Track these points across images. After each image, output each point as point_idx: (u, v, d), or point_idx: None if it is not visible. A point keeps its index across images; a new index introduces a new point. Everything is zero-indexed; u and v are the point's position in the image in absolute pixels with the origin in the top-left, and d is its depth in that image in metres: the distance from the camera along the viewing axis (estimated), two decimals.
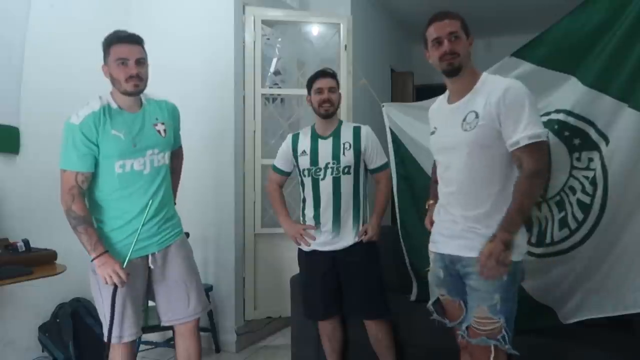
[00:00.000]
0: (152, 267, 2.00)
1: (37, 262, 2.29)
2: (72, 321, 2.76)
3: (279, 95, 3.70)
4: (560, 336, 2.07)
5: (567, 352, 2.05)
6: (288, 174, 2.45)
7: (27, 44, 2.70)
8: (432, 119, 1.88)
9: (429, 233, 1.93)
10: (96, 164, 1.89)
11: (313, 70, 2.43)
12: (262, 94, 3.40)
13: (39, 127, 2.77)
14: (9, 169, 2.65)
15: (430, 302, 1.94)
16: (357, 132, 2.33)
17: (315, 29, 3.75)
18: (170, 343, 2.69)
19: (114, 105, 1.92)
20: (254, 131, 3.34)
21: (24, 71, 2.68)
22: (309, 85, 2.34)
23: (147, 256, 2.00)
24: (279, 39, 3.77)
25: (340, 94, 2.36)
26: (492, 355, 1.62)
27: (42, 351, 2.75)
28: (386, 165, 2.41)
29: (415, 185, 2.64)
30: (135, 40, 1.90)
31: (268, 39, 3.59)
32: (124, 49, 1.86)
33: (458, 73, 1.69)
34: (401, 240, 2.66)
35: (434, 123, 1.86)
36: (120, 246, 1.93)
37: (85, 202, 1.88)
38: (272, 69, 3.77)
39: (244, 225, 3.32)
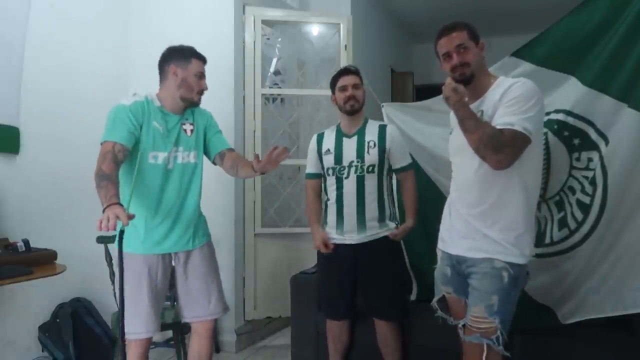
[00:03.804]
0: (174, 264, 2.05)
1: (37, 262, 2.29)
2: (72, 321, 2.76)
3: (279, 95, 3.70)
4: (560, 336, 2.07)
5: (567, 352, 2.05)
6: (322, 175, 2.41)
7: (27, 44, 2.70)
8: (451, 121, 1.89)
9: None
10: (133, 152, 1.95)
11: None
12: (262, 94, 3.40)
13: (39, 127, 2.77)
14: (9, 169, 2.65)
15: (434, 300, 1.94)
16: (382, 130, 2.33)
17: (315, 29, 3.75)
18: (170, 343, 2.69)
19: (156, 103, 2.04)
20: (254, 131, 3.34)
21: (24, 71, 2.68)
22: (333, 84, 2.34)
23: (169, 255, 2.04)
24: (279, 39, 3.77)
25: (364, 91, 2.35)
26: (485, 354, 1.63)
27: (42, 351, 2.75)
28: (410, 166, 2.38)
29: (415, 185, 2.64)
30: (206, 61, 2.14)
31: (268, 39, 3.59)
32: (203, 65, 2.10)
33: (471, 81, 1.71)
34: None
35: (452, 125, 1.88)
36: (144, 236, 1.97)
37: (116, 168, 1.87)
38: (272, 69, 3.76)
39: (244, 225, 3.32)
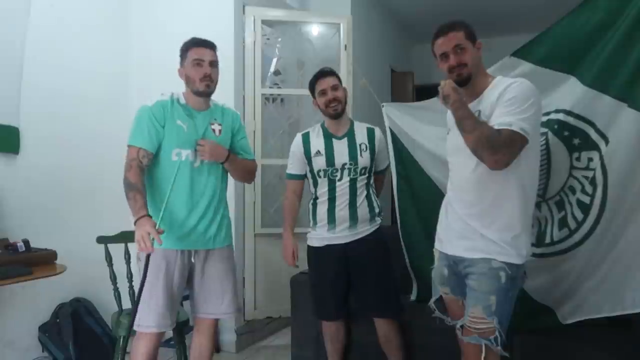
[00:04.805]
0: (193, 261, 2.05)
1: (37, 262, 2.28)
2: (72, 321, 2.76)
3: (279, 95, 3.70)
4: (559, 336, 2.07)
5: (566, 352, 2.05)
6: (304, 177, 2.40)
7: (27, 44, 2.70)
8: (449, 121, 1.89)
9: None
10: (158, 150, 2.00)
11: (313, 71, 2.42)
12: (262, 94, 3.40)
13: (39, 127, 2.77)
14: (9, 169, 2.65)
15: (432, 300, 1.94)
16: (371, 133, 2.34)
17: (315, 29, 3.75)
18: (170, 343, 2.69)
19: (182, 101, 2.07)
20: (254, 131, 3.34)
21: (24, 71, 2.68)
22: (312, 89, 2.31)
23: (190, 252, 2.04)
24: (279, 39, 3.77)
25: (345, 90, 2.33)
26: (483, 355, 1.63)
27: (42, 351, 2.75)
28: (387, 167, 2.47)
29: (415, 185, 2.65)
30: (210, 45, 2.06)
31: (268, 39, 3.59)
32: (200, 50, 2.03)
33: (468, 82, 1.71)
34: (401, 240, 2.66)
35: (449, 125, 1.87)
36: (167, 231, 1.97)
37: (141, 174, 1.95)
38: (272, 69, 3.76)
39: (244, 225, 3.32)
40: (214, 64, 2.04)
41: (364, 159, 2.27)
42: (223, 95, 3.15)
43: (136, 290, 1.89)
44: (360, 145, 2.28)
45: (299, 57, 3.85)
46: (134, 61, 3.37)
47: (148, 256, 1.85)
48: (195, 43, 2.04)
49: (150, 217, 1.86)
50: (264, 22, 3.39)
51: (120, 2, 3.34)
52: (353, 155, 2.26)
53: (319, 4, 4.24)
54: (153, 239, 1.78)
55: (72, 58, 2.99)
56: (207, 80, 2.01)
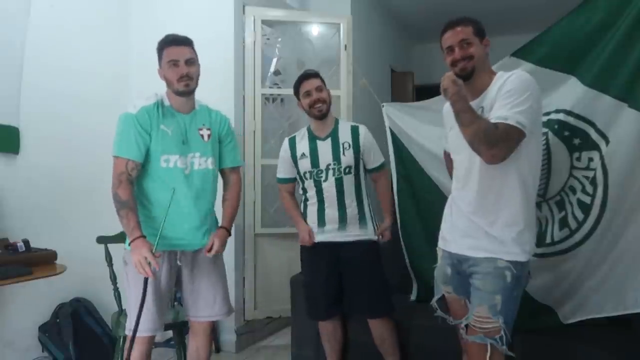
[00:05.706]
0: (180, 263, 2.04)
1: (37, 262, 2.29)
2: (72, 321, 2.76)
3: (279, 95, 3.70)
4: (560, 336, 2.08)
5: (567, 352, 2.05)
6: (295, 179, 2.43)
7: (27, 44, 2.70)
8: (449, 118, 1.87)
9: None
10: (146, 157, 1.95)
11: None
12: (262, 94, 3.40)
13: (39, 127, 2.77)
14: (9, 169, 2.65)
15: (434, 299, 1.94)
16: (355, 131, 2.33)
17: (315, 29, 3.75)
18: (170, 343, 2.69)
19: (166, 103, 2.01)
20: (254, 131, 3.34)
21: (24, 71, 2.68)
22: (296, 92, 2.34)
23: (176, 253, 2.02)
24: (279, 39, 3.77)
25: (329, 91, 2.34)
26: (488, 354, 1.62)
27: (42, 351, 2.75)
28: (384, 165, 2.42)
29: (415, 185, 2.65)
30: (183, 41, 1.98)
31: (268, 39, 3.59)
32: (174, 50, 1.95)
33: (471, 77, 1.70)
34: (401, 240, 2.66)
35: (450, 123, 1.86)
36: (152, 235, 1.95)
37: (132, 188, 1.92)
38: (272, 69, 3.76)
39: (244, 225, 3.32)
40: (190, 61, 1.96)
41: (347, 158, 2.28)
42: (223, 95, 3.18)
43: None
44: (343, 144, 2.29)
45: (299, 57, 3.84)
46: (134, 62, 3.37)
47: (146, 279, 1.84)
48: (169, 42, 1.96)
49: (145, 237, 1.85)
50: (264, 22, 3.39)
51: (120, 3, 3.34)
52: (336, 155, 2.28)
53: (319, 4, 4.24)
54: (150, 263, 1.79)
55: (72, 58, 2.99)
56: (185, 79, 1.94)
